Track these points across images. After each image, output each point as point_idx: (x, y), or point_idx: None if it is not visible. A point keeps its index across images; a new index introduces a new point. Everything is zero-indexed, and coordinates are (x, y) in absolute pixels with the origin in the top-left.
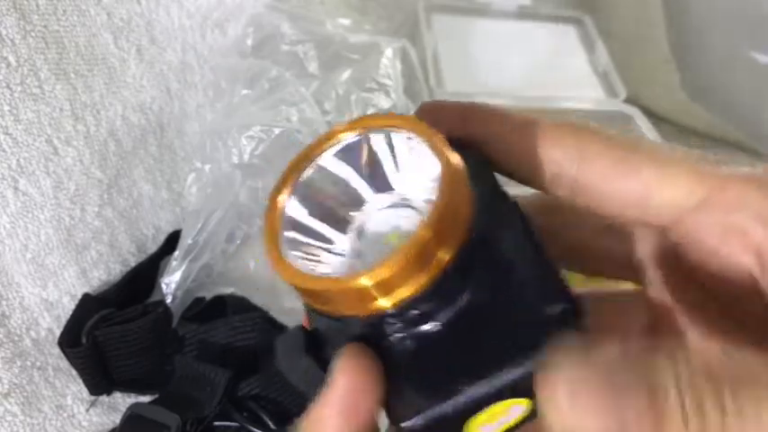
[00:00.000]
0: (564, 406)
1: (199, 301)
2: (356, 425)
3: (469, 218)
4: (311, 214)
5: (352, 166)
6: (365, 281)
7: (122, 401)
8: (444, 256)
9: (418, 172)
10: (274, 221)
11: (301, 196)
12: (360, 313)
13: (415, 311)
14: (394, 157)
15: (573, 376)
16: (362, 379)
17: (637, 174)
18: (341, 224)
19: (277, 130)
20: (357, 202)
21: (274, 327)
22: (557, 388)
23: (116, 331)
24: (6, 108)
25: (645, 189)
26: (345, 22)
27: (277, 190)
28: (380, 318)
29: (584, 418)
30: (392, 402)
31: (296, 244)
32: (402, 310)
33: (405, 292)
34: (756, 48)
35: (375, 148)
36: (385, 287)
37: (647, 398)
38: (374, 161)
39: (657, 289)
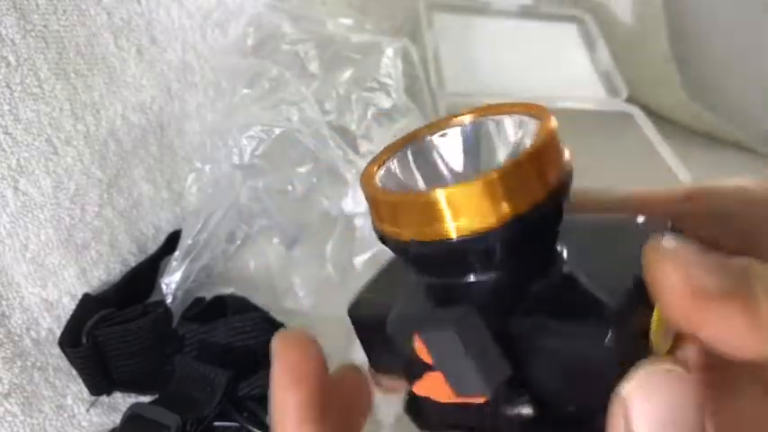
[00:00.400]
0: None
1: (199, 301)
2: (308, 390)
3: (565, 176)
4: (418, 171)
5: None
6: (438, 195)
7: (122, 401)
8: (536, 195)
9: None
10: (379, 161)
11: (414, 155)
12: (427, 237)
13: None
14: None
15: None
16: (301, 351)
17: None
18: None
19: (277, 130)
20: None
21: (274, 327)
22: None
23: (116, 331)
24: (6, 108)
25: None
26: (346, 21)
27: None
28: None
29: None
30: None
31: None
32: (472, 241)
33: (480, 221)
34: (756, 48)
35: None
36: (457, 209)
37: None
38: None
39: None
